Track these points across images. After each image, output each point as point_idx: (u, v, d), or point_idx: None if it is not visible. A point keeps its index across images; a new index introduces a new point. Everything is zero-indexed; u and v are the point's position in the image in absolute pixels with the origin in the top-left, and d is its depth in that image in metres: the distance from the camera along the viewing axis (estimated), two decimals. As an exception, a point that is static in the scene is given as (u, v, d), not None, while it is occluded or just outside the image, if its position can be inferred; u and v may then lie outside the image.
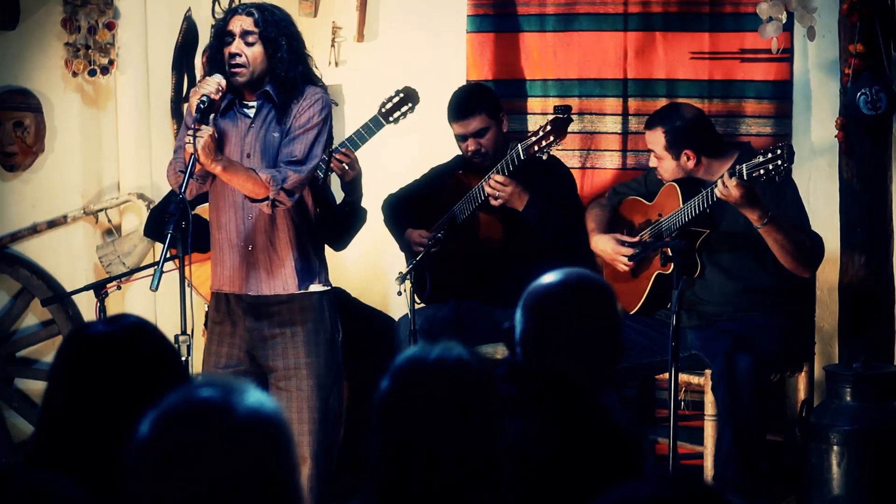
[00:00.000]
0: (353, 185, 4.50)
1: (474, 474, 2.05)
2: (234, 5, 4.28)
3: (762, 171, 4.19)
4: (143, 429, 1.75)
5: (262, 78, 4.06)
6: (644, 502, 1.63)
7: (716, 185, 4.32)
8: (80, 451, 2.19)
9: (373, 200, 5.17)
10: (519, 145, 4.67)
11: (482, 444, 2.06)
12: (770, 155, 4.18)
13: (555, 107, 4.72)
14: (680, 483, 1.65)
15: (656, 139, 4.64)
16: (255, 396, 1.78)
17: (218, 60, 4.07)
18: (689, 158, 4.61)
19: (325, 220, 4.33)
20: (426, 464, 2.04)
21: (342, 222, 4.43)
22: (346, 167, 4.47)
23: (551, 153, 4.69)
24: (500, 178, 4.71)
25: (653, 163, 4.70)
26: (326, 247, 4.41)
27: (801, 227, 4.51)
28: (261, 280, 4.12)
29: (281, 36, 4.03)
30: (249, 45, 4.02)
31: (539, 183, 4.81)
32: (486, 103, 4.93)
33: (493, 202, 4.74)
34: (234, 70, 4.01)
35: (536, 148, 4.62)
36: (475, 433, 2.06)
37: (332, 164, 4.45)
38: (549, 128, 4.61)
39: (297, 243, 4.13)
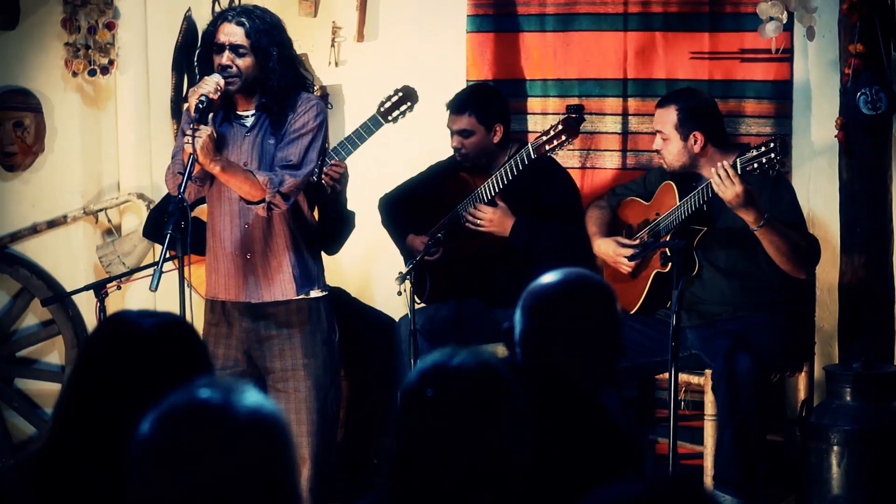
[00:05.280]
0: (338, 196, 4.48)
1: (487, 477, 2.04)
2: (223, 10, 4.26)
3: (756, 165, 4.21)
4: (144, 428, 1.76)
5: (254, 84, 4.05)
6: (632, 501, 1.63)
7: (712, 181, 4.32)
8: (101, 437, 2.17)
9: (371, 200, 5.18)
10: (529, 144, 4.68)
11: (499, 449, 2.05)
12: (763, 148, 4.20)
13: (567, 106, 4.72)
14: (668, 483, 1.65)
15: (667, 117, 4.62)
16: (254, 397, 1.78)
17: (207, 63, 4.07)
18: (696, 141, 4.59)
19: (322, 222, 4.32)
20: (441, 464, 2.03)
21: (332, 228, 4.42)
22: (335, 182, 4.43)
23: (550, 157, 4.70)
24: (482, 208, 4.75)
25: (657, 145, 4.66)
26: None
27: (796, 229, 4.51)
28: (260, 287, 4.12)
29: (272, 45, 4.01)
30: (240, 56, 4.02)
31: (535, 190, 4.81)
32: (480, 108, 4.90)
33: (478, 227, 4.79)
34: (225, 80, 4.00)
35: (547, 147, 4.63)
36: (493, 438, 2.05)
37: (323, 174, 4.39)
38: (560, 127, 4.62)
39: (294, 249, 4.13)
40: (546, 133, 4.64)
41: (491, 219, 4.79)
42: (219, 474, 1.71)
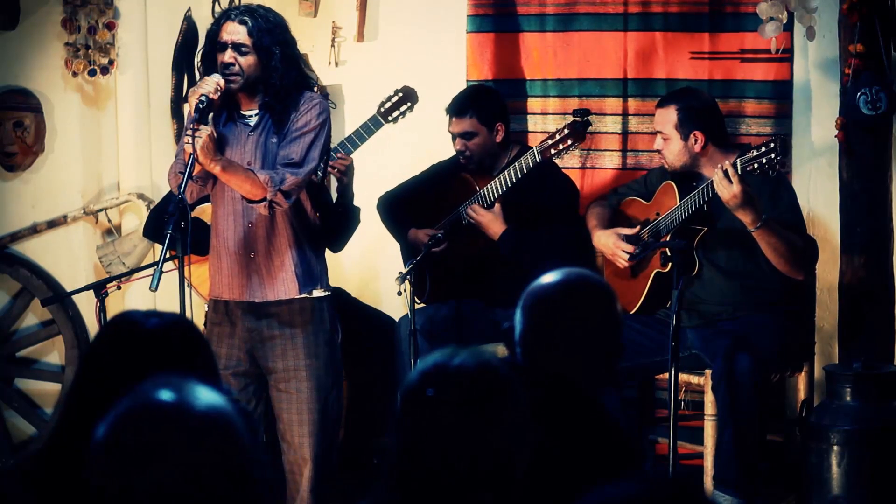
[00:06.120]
0: (346, 188, 4.51)
1: (487, 477, 2.04)
2: (227, 9, 4.26)
3: (756, 165, 4.21)
4: (101, 432, 1.74)
5: (256, 83, 4.05)
6: (632, 501, 1.63)
7: (712, 181, 4.32)
8: None
9: (371, 200, 5.18)
10: (535, 148, 4.67)
11: (499, 449, 2.05)
12: (763, 149, 4.20)
13: (574, 110, 4.72)
14: (668, 483, 1.65)
15: (667, 117, 4.63)
16: (207, 395, 1.77)
17: (211, 62, 4.07)
18: (696, 140, 4.59)
19: (324, 221, 4.32)
20: (441, 464, 2.03)
21: (338, 224, 4.44)
22: (342, 174, 4.47)
23: (553, 161, 4.70)
24: (477, 209, 4.77)
25: (658, 144, 4.67)
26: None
27: (795, 230, 4.51)
28: (264, 286, 4.11)
29: (274, 44, 4.02)
30: (243, 54, 4.02)
31: (535, 193, 4.81)
32: (481, 108, 4.90)
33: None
34: (228, 78, 4.00)
35: (553, 151, 4.63)
36: (493, 438, 2.05)
37: (330, 167, 4.43)
38: (566, 131, 4.62)
39: (297, 248, 4.13)
40: (552, 137, 4.64)
41: (480, 220, 4.80)
42: (179, 474, 1.70)
